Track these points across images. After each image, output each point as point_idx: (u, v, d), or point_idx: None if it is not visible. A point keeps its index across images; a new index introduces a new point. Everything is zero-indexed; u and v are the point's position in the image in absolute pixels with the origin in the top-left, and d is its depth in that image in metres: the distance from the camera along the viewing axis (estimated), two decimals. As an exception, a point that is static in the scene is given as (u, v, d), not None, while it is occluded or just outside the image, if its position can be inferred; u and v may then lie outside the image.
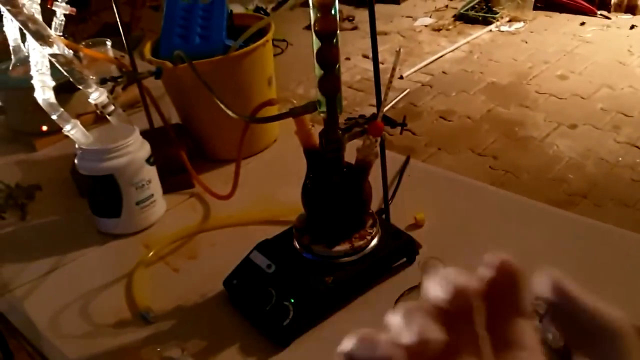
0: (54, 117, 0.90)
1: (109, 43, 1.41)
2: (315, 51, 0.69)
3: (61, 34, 1.18)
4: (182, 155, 1.05)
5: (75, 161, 0.94)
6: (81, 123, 0.94)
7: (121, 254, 0.95)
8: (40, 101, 0.90)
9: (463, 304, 0.27)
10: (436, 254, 0.81)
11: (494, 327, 0.28)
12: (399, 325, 0.26)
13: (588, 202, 2.44)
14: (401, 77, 3.61)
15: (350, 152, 0.80)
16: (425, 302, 0.27)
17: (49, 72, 0.93)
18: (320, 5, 0.66)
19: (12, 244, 1.00)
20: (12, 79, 1.24)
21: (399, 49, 0.68)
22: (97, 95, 0.90)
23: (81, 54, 1.24)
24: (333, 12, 0.67)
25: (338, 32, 0.68)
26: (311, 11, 0.67)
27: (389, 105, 0.77)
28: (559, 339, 0.70)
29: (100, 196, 0.95)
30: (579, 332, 0.28)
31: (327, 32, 0.67)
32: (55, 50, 0.83)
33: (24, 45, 1.26)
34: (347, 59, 3.88)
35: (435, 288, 0.27)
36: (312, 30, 0.67)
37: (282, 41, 4.09)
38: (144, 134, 1.00)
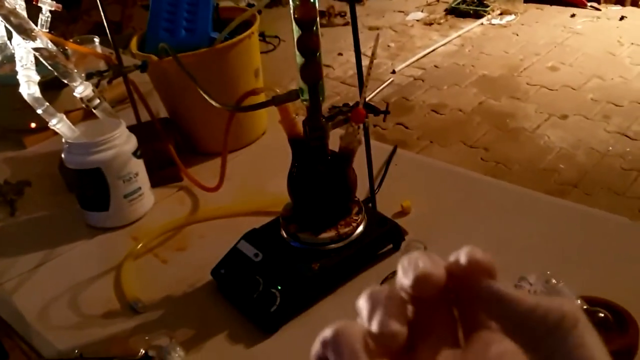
0: (39, 111, 0.91)
1: (96, 40, 1.41)
2: (295, 39, 0.70)
3: (47, 30, 1.18)
4: (170, 148, 1.06)
5: (62, 155, 0.94)
6: (69, 120, 0.94)
7: (110, 246, 0.95)
8: (25, 96, 0.91)
9: (427, 290, 0.27)
10: (422, 240, 0.82)
11: (463, 309, 0.29)
12: (366, 313, 0.27)
13: (579, 191, 2.45)
14: (393, 72, 3.61)
15: (335, 140, 0.80)
16: (393, 288, 0.28)
17: (34, 67, 0.93)
18: (299, -8, 0.66)
19: (1, 240, 1.00)
20: (-1, 76, 1.24)
21: (378, 35, 0.68)
22: (82, 89, 0.91)
23: (69, 50, 1.24)
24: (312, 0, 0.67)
25: (318, 19, 0.69)
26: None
27: (374, 94, 0.78)
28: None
29: (88, 190, 0.96)
30: (525, 331, 0.27)
31: (306, 20, 0.67)
32: (38, 44, 0.83)
33: (10, 43, 1.26)
34: (340, 54, 3.89)
35: (402, 274, 0.28)
36: (292, 18, 0.68)
37: (274, 37, 4.09)
38: (132, 128, 1.00)
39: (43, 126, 1.23)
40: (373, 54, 0.67)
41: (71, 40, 1.32)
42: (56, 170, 1.12)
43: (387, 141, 2.76)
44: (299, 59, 0.72)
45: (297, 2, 0.67)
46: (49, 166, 1.16)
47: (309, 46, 0.70)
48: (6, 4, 0.78)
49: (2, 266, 0.92)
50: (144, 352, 0.65)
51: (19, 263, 0.93)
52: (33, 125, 1.24)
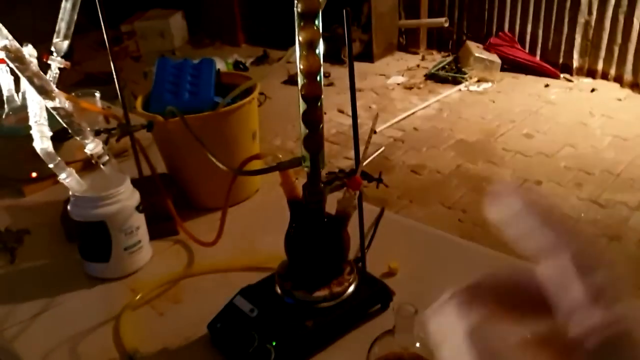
0: (51, 165, 0.95)
1: (97, 95, 1.48)
2: (301, 112, 0.76)
3: (55, 85, 1.24)
4: (169, 203, 1.10)
5: (68, 207, 0.99)
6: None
7: (109, 297, 0.98)
8: (38, 150, 0.96)
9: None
10: (408, 301, 0.87)
11: None
12: None
13: (553, 256, 2.53)
14: (375, 132, 3.72)
15: (330, 202, 0.86)
16: None
17: (46, 123, 0.99)
18: (307, 72, 0.73)
19: (2, 287, 1.03)
20: (4, 127, 1.29)
21: (377, 115, 0.76)
22: (93, 146, 0.96)
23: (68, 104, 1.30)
24: (318, 78, 0.74)
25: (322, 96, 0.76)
26: (299, 77, 0.75)
27: (365, 162, 0.83)
28: None
29: (91, 241, 1.00)
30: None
31: (312, 97, 0.74)
32: (56, 103, 0.89)
33: (17, 96, 1.32)
34: (324, 113, 4.00)
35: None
36: (299, 94, 0.75)
37: (260, 94, 4.19)
38: (133, 182, 1.05)
39: (43, 176, 1.28)
40: (372, 130, 0.74)
41: (73, 94, 1.38)
42: (55, 219, 1.16)
43: (369, 199, 2.83)
44: (303, 131, 0.78)
45: (305, 81, 0.74)
46: (48, 215, 1.20)
47: (313, 120, 0.76)
48: (32, 68, 0.84)
49: (2, 313, 0.95)
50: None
51: (19, 310, 0.95)
52: (34, 175, 1.28)
